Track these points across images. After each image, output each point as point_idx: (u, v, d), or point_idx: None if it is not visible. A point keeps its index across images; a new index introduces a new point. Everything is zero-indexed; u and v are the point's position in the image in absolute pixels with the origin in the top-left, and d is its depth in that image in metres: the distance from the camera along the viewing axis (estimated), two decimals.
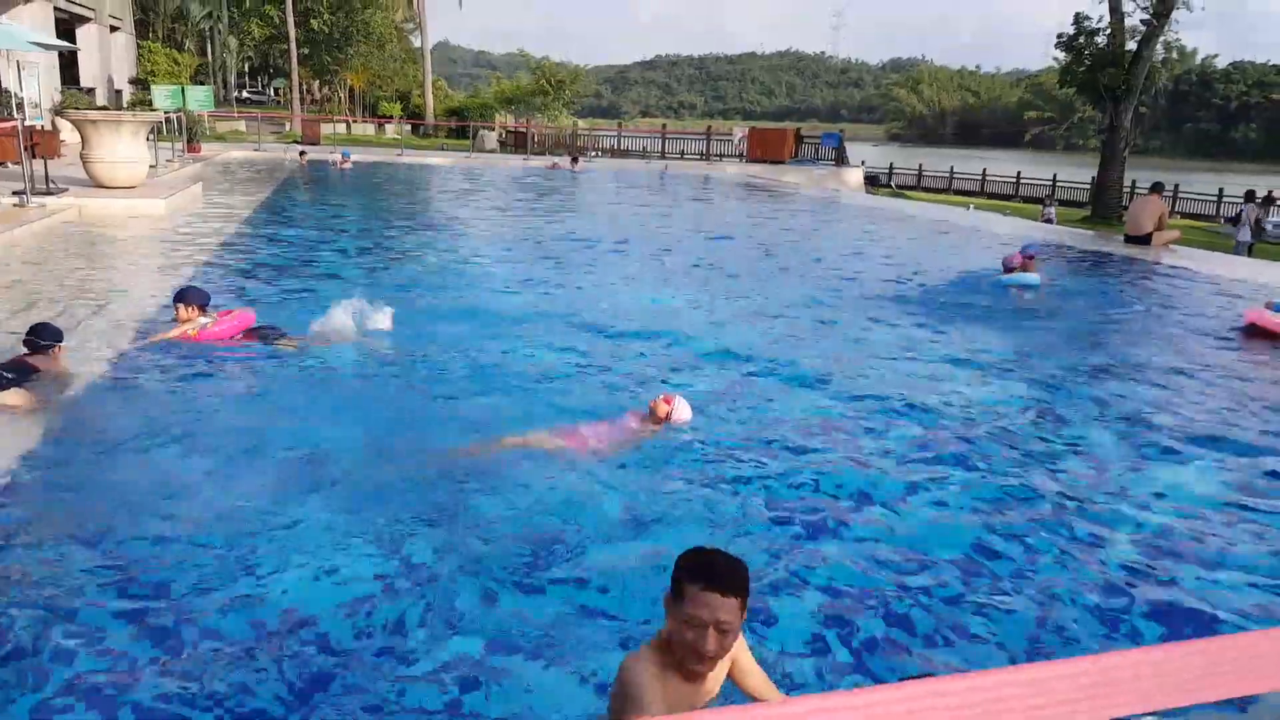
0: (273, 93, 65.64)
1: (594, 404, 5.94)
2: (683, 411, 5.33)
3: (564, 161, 31.44)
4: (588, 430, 5.19)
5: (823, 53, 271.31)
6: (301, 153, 27.82)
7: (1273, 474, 5.24)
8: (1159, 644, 1.08)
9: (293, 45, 45.42)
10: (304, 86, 52.44)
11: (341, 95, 55.90)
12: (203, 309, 7.04)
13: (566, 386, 6.49)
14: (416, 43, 56.55)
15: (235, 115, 42.51)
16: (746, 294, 10.44)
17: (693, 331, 8.34)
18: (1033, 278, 11.24)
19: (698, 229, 17.21)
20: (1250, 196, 19.69)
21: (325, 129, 39.82)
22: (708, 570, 2.28)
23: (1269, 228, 21.64)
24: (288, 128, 42.46)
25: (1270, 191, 22.83)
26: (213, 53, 46.81)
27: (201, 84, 36.67)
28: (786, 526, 4.34)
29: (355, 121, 49.11)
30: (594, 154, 37.82)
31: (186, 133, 25.74)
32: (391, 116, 48.85)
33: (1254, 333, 8.90)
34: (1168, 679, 1.00)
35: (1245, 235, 18.77)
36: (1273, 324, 8.84)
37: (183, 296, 7.07)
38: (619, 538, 4.13)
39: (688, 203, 23.09)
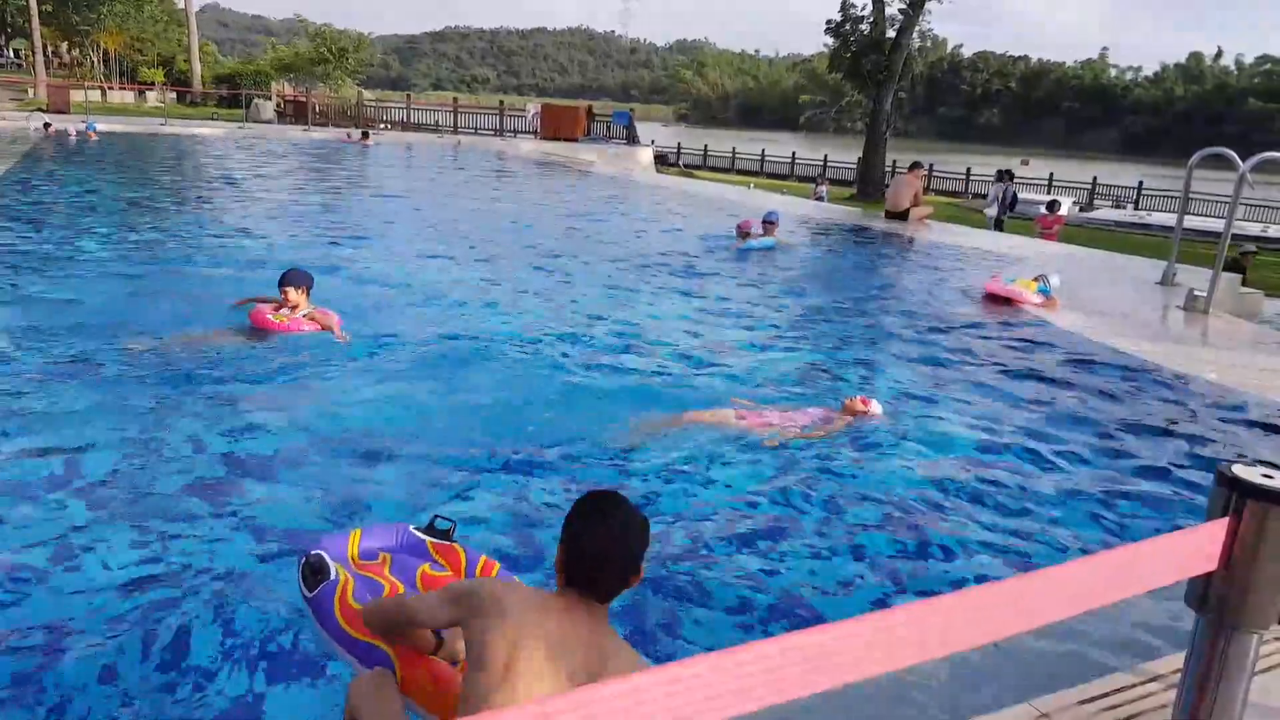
0: (12, 54, 58.61)
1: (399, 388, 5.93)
2: (877, 408, 5.69)
3: (356, 134, 30.22)
4: (773, 415, 5.53)
5: (613, 32, 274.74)
6: (46, 124, 25.16)
7: (1007, 420, 6.03)
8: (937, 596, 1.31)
9: (33, 0, 40.75)
10: (49, 48, 47.23)
11: (94, 59, 50.74)
12: (308, 292, 6.83)
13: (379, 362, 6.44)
14: (180, 3, 52.22)
15: None
16: (551, 269, 10.60)
17: (499, 305, 8.48)
18: (769, 240, 12.67)
19: (499, 206, 17.15)
20: (1001, 175, 21.16)
21: (76, 96, 36.06)
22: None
23: (1020, 205, 23.59)
24: (30, 94, 38.21)
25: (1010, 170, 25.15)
26: None
27: None
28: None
29: (112, 88, 44.79)
30: (383, 126, 36.58)
31: None
32: (154, 83, 45.01)
33: (992, 299, 10.07)
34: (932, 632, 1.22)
35: (994, 211, 20.32)
36: (1007, 291, 10.04)
37: (288, 279, 6.74)
38: None
39: (485, 179, 22.86)
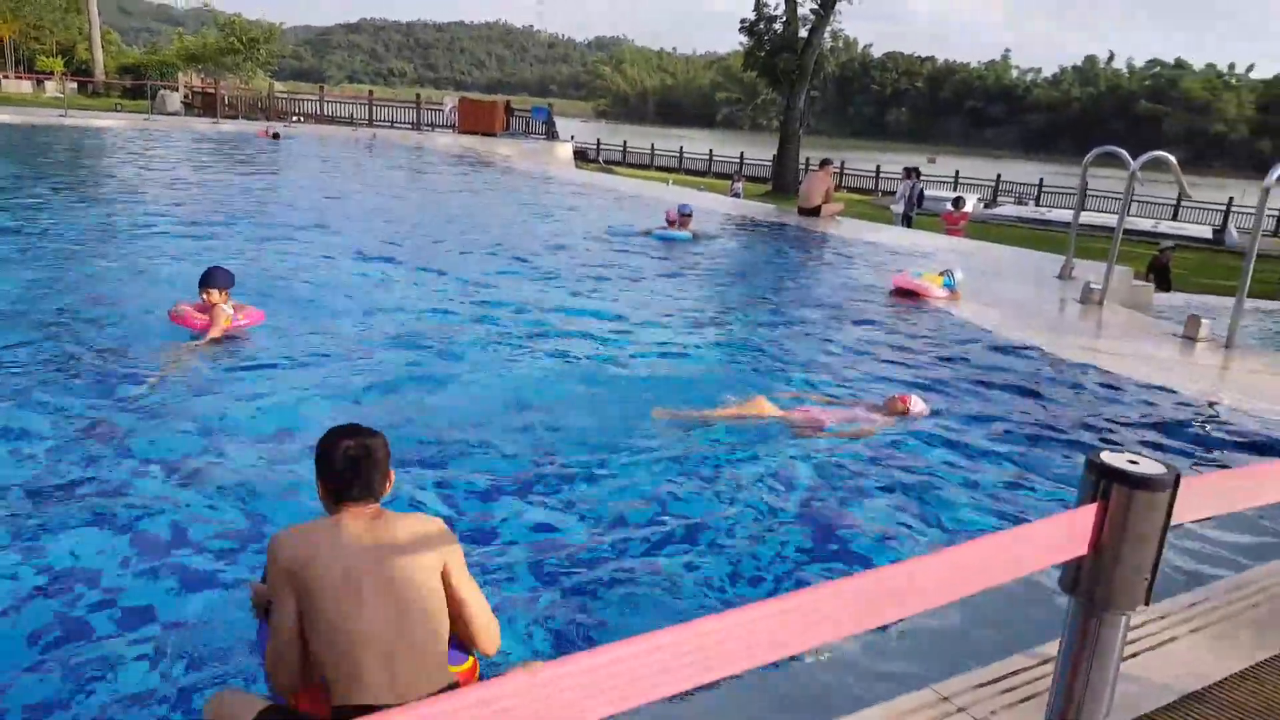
0: None
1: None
2: (919, 406, 5.79)
3: (276, 127, 29.21)
4: (819, 411, 5.71)
5: (531, 26, 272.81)
6: None
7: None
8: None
9: None
10: None
11: None
12: (227, 292, 6.60)
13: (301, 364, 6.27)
14: None
15: None
16: (469, 264, 10.47)
17: (419, 301, 8.39)
18: (685, 234, 13.33)
19: (417, 201, 16.87)
20: (908, 173, 21.57)
21: None
22: None
23: (926, 202, 24.10)
24: None
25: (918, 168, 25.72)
26: None
27: None
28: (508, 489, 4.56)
29: (6, 77, 42.56)
30: (295, 119, 35.58)
31: None
32: (52, 73, 42.91)
33: (900, 293, 10.34)
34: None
35: (901, 207, 20.68)
36: (914, 285, 10.32)
37: (213, 279, 6.48)
38: None
39: (402, 174, 22.44)
